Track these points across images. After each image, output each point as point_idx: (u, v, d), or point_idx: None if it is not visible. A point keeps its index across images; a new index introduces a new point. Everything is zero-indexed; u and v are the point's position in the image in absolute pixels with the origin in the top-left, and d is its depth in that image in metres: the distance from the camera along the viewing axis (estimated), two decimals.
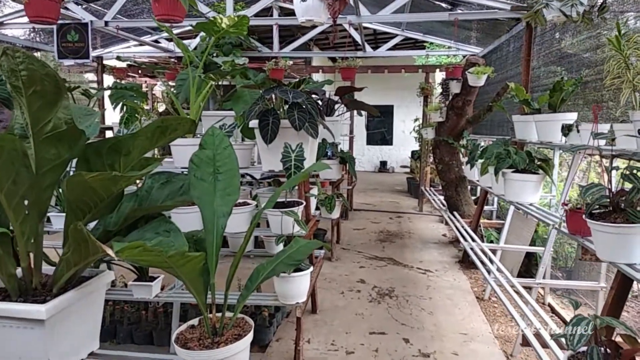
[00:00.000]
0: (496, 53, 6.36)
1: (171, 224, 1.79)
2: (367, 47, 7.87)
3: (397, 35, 7.87)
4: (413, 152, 11.36)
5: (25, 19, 6.38)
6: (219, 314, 2.23)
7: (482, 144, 6.46)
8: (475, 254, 4.14)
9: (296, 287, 2.84)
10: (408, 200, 9.35)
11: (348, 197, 7.62)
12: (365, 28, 9.02)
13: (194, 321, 1.99)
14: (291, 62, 9.16)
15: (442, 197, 6.37)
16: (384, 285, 4.54)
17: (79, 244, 1.66)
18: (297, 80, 3.25)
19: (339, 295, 4.30)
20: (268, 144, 3.08)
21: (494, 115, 6.20)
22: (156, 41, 8.59)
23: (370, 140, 15.07)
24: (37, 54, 8.11)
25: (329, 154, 5.08)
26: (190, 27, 8.48)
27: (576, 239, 2.37)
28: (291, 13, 5.70)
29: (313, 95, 5.32)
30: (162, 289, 3.46)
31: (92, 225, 1.98)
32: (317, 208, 5.32)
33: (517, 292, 3.19)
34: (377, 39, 11.37)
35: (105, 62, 8.54)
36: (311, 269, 2.93)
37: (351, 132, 7.75)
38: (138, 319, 3.52)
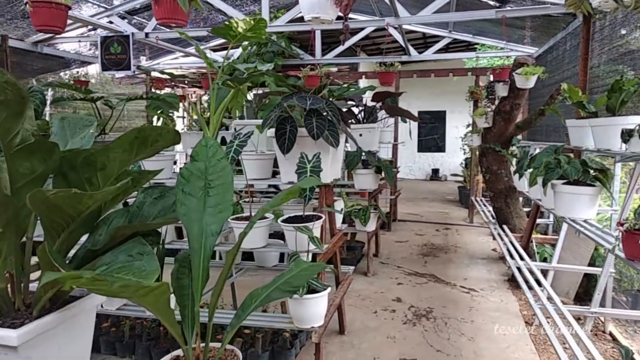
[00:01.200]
0: (552, 53, 5.85)
1: (145, 246, 1.62)
2: (412, 51, 7.52)
3: (444, 37, 7.47)
4: (466, 160, 10.82)
5: (74, 33, 6.61)
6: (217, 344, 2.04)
7: (537, 150, 5.96)
8: (522, 274, 3.73)
9: (311, 310, 2.60)
10: (458, 211, 8.85)
11: (391, 207, 7.29)
12: (412, 32, 8.69)
13: (179, 351, 1.81)
14: (335, 69, 8.99)
15: (491, 208, 5.91)
16: (421, 305, 4.20)
17: (50, 266, 1.53)
18: (318, 85, 3.04)
19: (372, 314, 4.01)
20: (285, 154, 2.88)
21: (549, 120, 5.69)
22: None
23: (422, 147, 14.57)
24: (92, 67, 8.39)
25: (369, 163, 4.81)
26: None
27: (634, 265, 1.98)
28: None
29: (349, 102, 5.10)
30: None
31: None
32: (350, 220, 5.07)
33: (565, 319, 2.78)
34: (426, 42, 10.97)
35: (153, 74, 8.72)
36: (328, 290, 2.68)
37: (395, 139, 7.42)
38: (157, 334, 3.41)
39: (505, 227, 5.20)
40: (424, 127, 14.43)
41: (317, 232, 2.86)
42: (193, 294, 1.77)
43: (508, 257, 4.23)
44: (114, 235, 1.81)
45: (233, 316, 1.85)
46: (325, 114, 2.89)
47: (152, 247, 2.01)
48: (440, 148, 14.46)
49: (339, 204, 3.64)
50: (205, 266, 1.79)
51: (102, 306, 3.02)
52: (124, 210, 1.98)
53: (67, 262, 1.81)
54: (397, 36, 7.21)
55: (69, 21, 6.16)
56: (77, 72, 6.63)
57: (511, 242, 4.70)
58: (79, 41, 6.53)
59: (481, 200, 7.38)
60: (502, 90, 4.76)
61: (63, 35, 6.40)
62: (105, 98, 3.49)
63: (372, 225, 4.77)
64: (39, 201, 1.51)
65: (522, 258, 4.15)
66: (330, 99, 2.95)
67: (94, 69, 8.61)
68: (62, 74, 7.50)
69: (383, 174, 4.79)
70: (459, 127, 13.78)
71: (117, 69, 6.20)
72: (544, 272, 4.15)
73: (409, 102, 13.05)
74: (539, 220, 5.32)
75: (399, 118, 7.30)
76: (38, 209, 1.57)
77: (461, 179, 10.57)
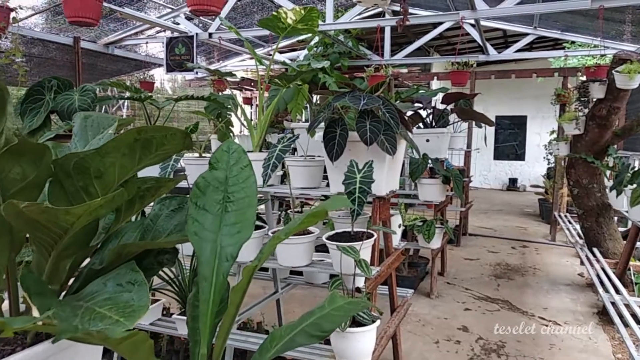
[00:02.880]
0: None
1: (138, 274, 1.32)
2: (491, 50, 6.89)
3: (528, 34, 6.76)
4: (549, 170, 9.85)
5: (144, 35, 6.68)
6: None
7: (637, 164, 5.15)
8: (617, 308, 3.10)
9: (355, 346, 2.22)
10: (538, 227, 8.01)
11: (461, 220, 6.69)
12: (492, 30, 8.02)
13: None
14: (406, 70, 8.51)
15: (579, 227, 5.17)
16: (492, 338, 3.66)
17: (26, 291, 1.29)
18: (375, 83, 2.66)
19: (432, 345, 3.53)
20: (334, 161, 2.53)
21: None
22: (268, 54, 8.58)
23: (499, 155, 13.60)
24: (160, 69, 8.51)
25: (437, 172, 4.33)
26: (296, 40, 8.33)
27: None
28: (397, 13, 5.10)
29: (416, 104, 4.65)
30: None
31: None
32: (413, 234, 4.61)
33: None
34: (507, 42, 10.17)
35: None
36: (377, 324, 2.28)
37: (468, 145, 6.82)
38: None
39: (595, 250, 4.49)
40: (501, 133, 13.48)
41: (367, 252, 2.47)
42: (199, 339, 1.46)
43: (599, 287, 3.59)
44: (121, 253, 1.55)
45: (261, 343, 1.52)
46: (381, 115, 2.50)
47: (166, 266, 1.74)
48: (519, 156, 13.41)
49: (397, 219, 3.22)
50: (216, 300, 1.48)
51: None
52: (139, 222, 1.73)
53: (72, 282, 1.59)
54: (474, 34, 6.62)
55: (138, 23, 6.25)
56: (144, 74, 6.69)
57: (603, 269, 4.02)
58: (147, 43, 6.60)
59: (566, 216, 6.58)
60: (597, 92, 4.08)
61: (133, 37, 6.50)
62: (151, 98, 3.32)
63: (437, 242, 4.27)
64: (14, 215, 1.25)
65: (616, 289, 3.50)
66: (388, 99, 2.56)
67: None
68: (139, 76, 7.65)
69: (451, 185, 4.29)
70: (540, 134, 12.71)
71: (181, 70, 6.17)
72: None
73: (485, 107, 12.21)
74: (638, 244, 4.56)
75: (473, 123, 6.69)
76: (16, 224, 1.33)
77: (542, 190, 9.64)
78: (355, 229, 2.65)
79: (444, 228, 4.31)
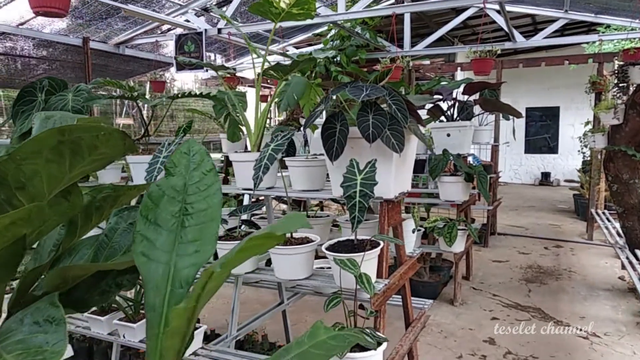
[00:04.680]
0: None
1: (57, 310, 1.06)
2: (518, 36, 6.44)
3: (558, 18, 6.29)
4: (584, 163, 9.26)
5: (156, 33, 6.52)
6: None
7: None
8: None
9: None
10: (573, 224, 7.50)
11: (489, 218, 6.28)
12: (519, 17, 7.57)
13: None
14: (428, 62, 8.11)
15: (619, 225, 4.72)
16: (522, 352, 3.30)
17: None
18: (380, 72, 2.35)
19: None
20: (334, 161, 2.24)
21: None
22: (284, 49, 8.34)
23: (530, 148, 13.00)
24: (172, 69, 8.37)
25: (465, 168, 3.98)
26: (312, 35, 8.05)
27: None
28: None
29: (435, 96, 4.30)
30: (210, 339, 2.85)
31: None
32: (434, 238, 4.28)
33: None
34: (536, 28, 9.62)
35: (238, 73, 8.51)
36: (383, 347, 1.98)
37: (495, 139, 6.40)
38: None
39: (638, 252, 4.05)
40: (532, 126, 12.88)
41: (372, 264, 2.17)
42: None
43: None
44: (65, 276, 1.30)
45: None
46: (387, 107, 2.20)
47: (125, 288, 1.48)
48: (552, 149, 12.78)
49: (409, 224, 2.90)
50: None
51: (124, 336, 2.61)
52: (94, 238, 1.48)
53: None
54: (500, 20, 6.20)
55: (147, 21, 6.09)
56: (155, 73, 6.53)
57: None
58: (156, 41, 6.43)
59: (604, 213, 6.08)
60: (638, 76, 3.65)
61: (143, 36, 6.34)
62: (143, 96, 3.10)
63: (459, 246, 3.92)
64: None
65: None
66: (395, 89, 2.25)
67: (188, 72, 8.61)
68: (152, 76, 7.52)
69: (475, 182, 3.94)
70: (574, 126, 12.07)
71: (191, 68, 5.98)
72: None
73: (515, 99, 11.66)
74: None
75: (500, 115, 6.27)
76: None
77: (577, 185, 9.09)
78: (362, 236, 2.35)
79: (467, 230, 3.95)
